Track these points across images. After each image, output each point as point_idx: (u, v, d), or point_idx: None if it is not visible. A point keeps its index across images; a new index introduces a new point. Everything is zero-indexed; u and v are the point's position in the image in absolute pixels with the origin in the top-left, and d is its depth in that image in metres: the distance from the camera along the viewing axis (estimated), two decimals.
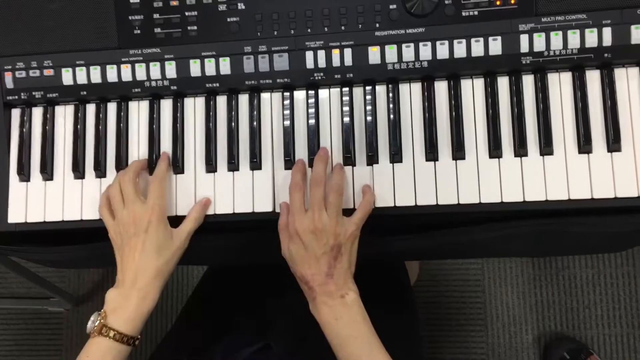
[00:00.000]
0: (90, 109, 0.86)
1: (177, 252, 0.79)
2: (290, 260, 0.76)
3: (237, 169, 0.82)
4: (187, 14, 0.82)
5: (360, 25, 0.80)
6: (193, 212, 0.81)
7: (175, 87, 0.83)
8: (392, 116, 0.80)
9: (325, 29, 0.80)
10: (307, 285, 0.74)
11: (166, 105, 0.85)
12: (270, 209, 0.81)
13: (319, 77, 0.81)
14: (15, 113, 0.87)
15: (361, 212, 0.76)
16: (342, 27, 0.80)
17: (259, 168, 0.82)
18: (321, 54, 0.80)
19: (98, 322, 0.73)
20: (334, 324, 0.72)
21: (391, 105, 0.80)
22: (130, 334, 0.73)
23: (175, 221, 0.81)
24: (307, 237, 0.73)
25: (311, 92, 0.82)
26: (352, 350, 0.71)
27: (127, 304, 0.74)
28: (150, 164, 0.83)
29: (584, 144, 0.76)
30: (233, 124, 0.83)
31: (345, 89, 0.81)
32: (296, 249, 0.74)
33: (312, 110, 0.82)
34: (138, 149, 0.84)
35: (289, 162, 0.81)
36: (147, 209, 0.77)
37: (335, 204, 0.75)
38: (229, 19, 0.82)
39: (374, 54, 0.80)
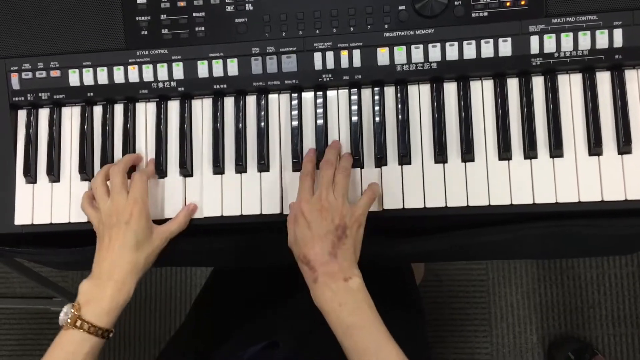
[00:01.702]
0: (97, 110, 0.85)
1: (155, 249, 0.78)
2: (294, 244, 0.74)
3: (245, 171, 0.82)
4: (194, 14, 0.81)
5: (369, 26, 0.79)
6: (180, 215, 0.80)
7: (182, 89, 0.83)
8: (400, 118, 0.79)
9: (334, 30, 0.80)
10: (309, 265, 0.71)
11: (173, 106, 0.84)
12: (278, 211, 0.81)
13: (327, 79, 0.80)
14: (22, 114, 0.86)
15: (366, 196, 0.76)
16: (351, 28, 0.80)
17: (267, 170, 0.82)
18: (329, 55, 0.80)
19: (72, 314, 0.72)
20: (338, 310, 0.69)
21: (400, 107, 0.80)
22: (104, 327, 0.72)
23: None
24: (312, 215, 0.72)
25: (319, 94, 0.82)
26: (358, 339, 0.68)
27: (102, 295, 0.73)
28: (159, 166, 0.82)
29: (595, 146, 0.75)
30: (240, 125, 0.82)
31: (354, 91, 0.81)
32: (301, 229, 0.72)
33: (320, 111, 0.81)
34: (145, 151, 0.84)
35: (297, 163, 0.81)
36: (130, 201, 0.77)
37: (342, 185, 0.74)
38: (236, 20, 0.81)
39: (382, 55, 0.79)
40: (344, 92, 0.82)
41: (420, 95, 0.80)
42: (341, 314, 0.69)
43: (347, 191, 0.75)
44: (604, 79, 0.77)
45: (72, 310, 0.72)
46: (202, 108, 0.84)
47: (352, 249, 0.72)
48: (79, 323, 0.71)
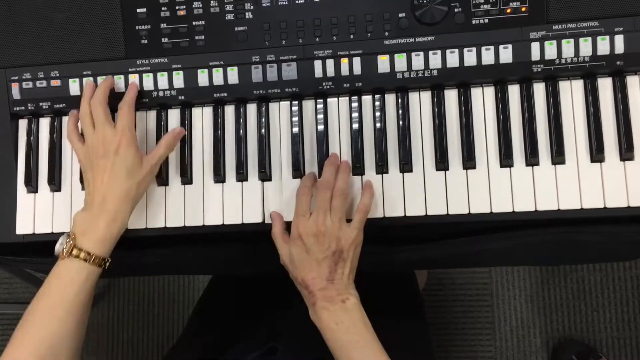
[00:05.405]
0: None
1: (147, 176, 0.78)
2: (290, 264, 0.75)
3: (246, 179, 0.82)
4: (194, 23, 0.81)
5: (369, 34, 0.79)
6: (164, 139, 0.80)
7: (182, 97, 0.82)
8: (401, 125, 0.79)
9: (334, 37, 0.80)
10: (307, 290, 0.73)
11: (174, 115, 0.84)
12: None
13: (328, 86, 0.80)
14: (22, 124, 0.86)
15: (359, 215, 0.75)
16: (351, 36, 0.79)
17: (268, 179, 0.81)
18: (330, 63, 0.80)
19: (67, 243, 0.73)
20: (334, 329, 0.71)
21: (401, 114, 0.80)
22: (100, 255, 0.73)
23: (186, 231, 0.80)
24: (309, 240, 0.73)
25: (320, 101, 0.81)
26: (353, 355, 0.70)
27: (97, 225, 0.74)
28: (160, 174, 0.82)
29: (596, 153, 0.75)
30: (241, 132, 0.82)
31: (354, 98, 0.81)
32: (298, 251, 0.74)
33: (320, 117, 0.81)
34: None
35: (298, 172, 0.80)
36: (117, 132, 0.77)
37: (339, 208, 0.74)
38: (236, 29, 0.81)
39: (383, 63, 0.79)
40: (344, 100, 0.81)
41: (421, 102, 0.80)
42: (338, 332, 0.71)
43: (345, 213, 0.75)
44: (605, 85, 0.77)
45: (68, 240, 0.73)
46: (202, 117, 0.84)
47: (348, 270, 0.73)
48: (75, 252, 0.72)
